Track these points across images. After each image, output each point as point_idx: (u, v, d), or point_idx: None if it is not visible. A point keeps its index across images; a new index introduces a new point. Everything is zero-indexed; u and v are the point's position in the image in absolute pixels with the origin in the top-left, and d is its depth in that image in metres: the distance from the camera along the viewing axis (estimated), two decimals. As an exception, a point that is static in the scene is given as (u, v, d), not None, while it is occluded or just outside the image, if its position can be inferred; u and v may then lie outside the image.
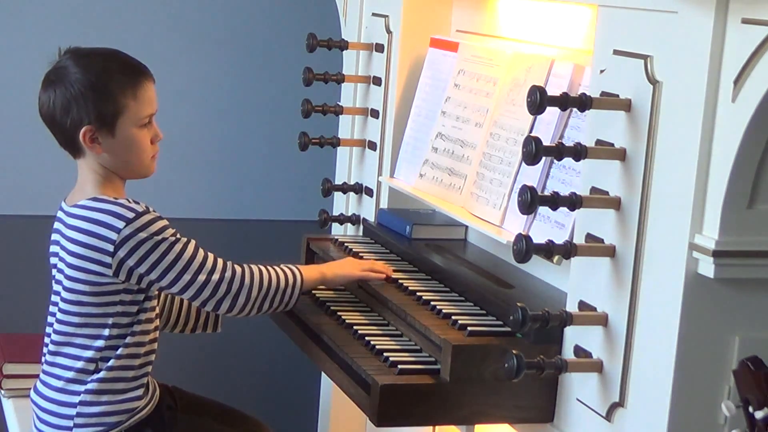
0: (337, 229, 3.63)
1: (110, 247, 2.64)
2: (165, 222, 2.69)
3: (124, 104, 2.68)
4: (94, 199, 2.69)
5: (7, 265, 4.22)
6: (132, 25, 4.20)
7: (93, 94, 2.66)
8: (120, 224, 2.63)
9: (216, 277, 2.71)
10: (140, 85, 2.71)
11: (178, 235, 2.70)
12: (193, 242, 2.71)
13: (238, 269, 2.74)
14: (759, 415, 1.79)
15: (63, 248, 2.71)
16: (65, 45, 2.79)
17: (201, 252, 2.71)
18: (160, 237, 2.66)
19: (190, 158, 4.28)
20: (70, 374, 2.72)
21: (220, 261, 2.74)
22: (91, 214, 2.67)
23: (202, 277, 2.69)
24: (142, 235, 2.64)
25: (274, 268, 2.80)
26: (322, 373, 3.59)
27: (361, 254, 3.11)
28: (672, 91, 2.19)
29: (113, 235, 2.63)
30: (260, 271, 2.77)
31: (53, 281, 2.78)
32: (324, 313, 2.92)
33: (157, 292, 2.78)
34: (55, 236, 2.77)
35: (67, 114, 2.68)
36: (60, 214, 2.76)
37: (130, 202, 2.68)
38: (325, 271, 2.89)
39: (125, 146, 2.71)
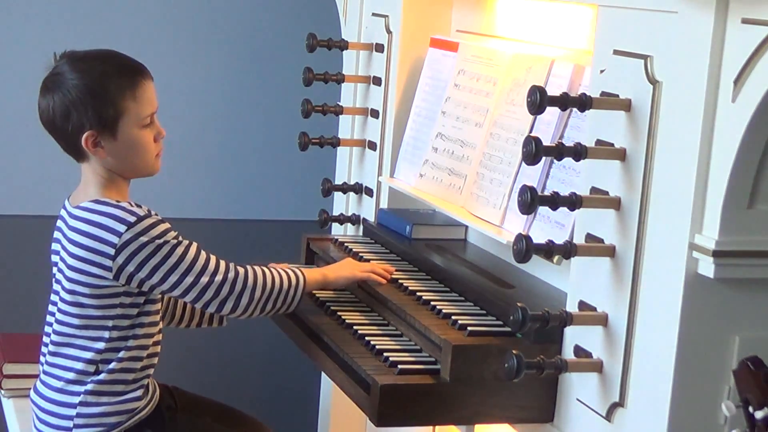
0: (337, 229, 3.63)
1: (111, 251, 2.63)
2: (167, 225, 2.69)
3: (124, 106, 2.67)
4: (97, 202, 2.68)
5: (7, 265, 4.22)
6: (131, 26, 4.20)
7: (92, 99, 2.65)
8: (121, 228, 2.63)
9: (219, 278, 2.70)
10: (139, 86, 2.70)
11: (180, 238, 2.69)
12: (195, 245, 2.71)
13: (241, 270, 2.74)
14: (759, 415, 1.78)
15: (64, 248, 2.71)
16: (64, 45, 2.78)
17: (203, 254, 2.71)
18: (161, 240, 2.65)
19: (190, 158, 4.28)
20: (70, 375, 2.72)
21: (222, 262, 2.73)
22: (93, 216, 2.66)
23: (204, 279, 2.69)
24: (143, 239, 2.64)
25: (277, 270, 2.80)
26: (322, 373, 3.59)
27: (361, 254, 3.11)
28: (672, 91, 2.19)
29: (114, 239, 2.63)
30: (263, 272, 2.77)
31: (53, 280, 2.78)
32: (324, 313, 2.92)
33: (159, 296, 2.77)
34: (56, 235, 2.77)
35: (67, 120, 2.66)
36: (63, 213, 2.76)
37: (132, 205, 2.67)
38: (327, 273, 2.89)
39: (129, 147, 2.70)
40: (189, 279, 2.68)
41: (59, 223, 2.77)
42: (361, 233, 3.44)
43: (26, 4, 4.12)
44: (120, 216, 2.64)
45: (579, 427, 2.44)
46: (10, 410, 3.38)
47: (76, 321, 2.71)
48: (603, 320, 2.35)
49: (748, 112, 2.01)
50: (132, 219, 2.64)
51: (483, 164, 2.91)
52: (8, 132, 4.16)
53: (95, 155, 2.69)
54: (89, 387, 2.70)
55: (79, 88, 2.66)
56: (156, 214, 2.69)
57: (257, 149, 4.44)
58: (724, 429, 2.18)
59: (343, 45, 3.49)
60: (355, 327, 2.77)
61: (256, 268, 2.78)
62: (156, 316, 2.77)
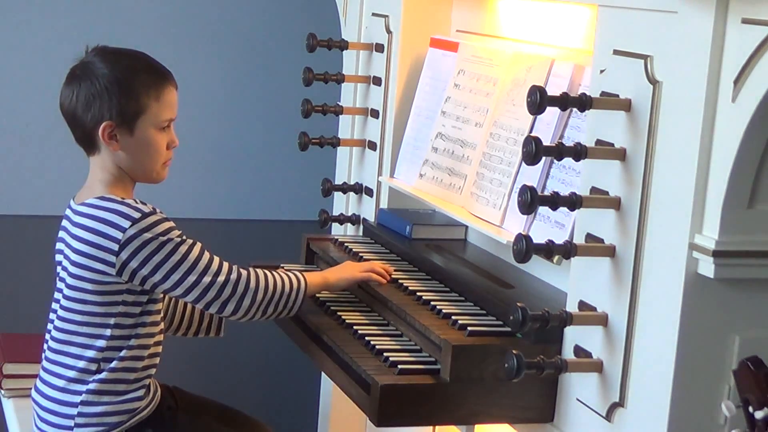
0: (337, 229, 3.63)
1: (115, 247, 2.64)
2: (171, 224, 2.69)
3: (147, 104, 2.70)
4: (102, 198, 2.69)
5: (8, 265, 4.22)
6: (131, 25, 4.20)
7: (117, 90, 2.68)
8: (126, 224, 2.64)
9: (221, 278, 2.70)
10: (164, 88, 2.73)
11: (184, 237, 2.70)
12: (198, 244, 2.71)
13: (244, 272, 2.74)
14: (759, 415, 1.79)
15: (68, 246, 2.71)
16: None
17: (207, 254, 2.71)
18: (165, 238, 2.66)
19: (190, 158, 4.28)
20: (71, 374, 2.72)
21: (225, 264, 2.74)
22: (98, 212, 2.67)
23: (207, 279, 2.69)
24: (147, 235, 2.64)
25: (279, 274, 2.81)
26: (322, 373, 3.59)
27: (361, 254, 3.11)
28: (672, 91, 2.19)
29: (119, 235, 2.64)
30: (265, 275, 2.77)
31: (57, 279, 2.78)
32: (324, 313, 2.92)
33: (162, 295, 2.77)
34: (61, 234, 2.78)
35: (89, 109, 2.69)
36: (68, 212, 2.77)
37: (137, 202, 2.68)
38: (327, 276, 2.90)
39: (142, 147, 2.71)
40: (191, 278, 2.68)
41: (64, 222, 2.78)
42: (361, 233, 3.44)
43: (27, 7, 4.12)
44: (124, 212, 2.65)
45: (579, 427, 2.44)
46: (10, 410, 3.38)
47: (78, 318, 2.71)
48: (603, 320, 2.35)
49: (748, 112, 2.01)
50: (136, 215, 2.64)
51: (483, 164, 2.91)
52: (9, 132, 4.16)
53: (108, 148, 2.70)
54: (91, 386, 2.70)
55: (107, 78, 2.69)
56: (161, 212, 2.70)
57: (257, 149, 4.44)
58: (724, 429, 2.18)
59: (343, 45, 3.49)
60: (355, 327, 2.77)
61: (259, 271, 2.78)
62: (158, 315, 2.77)
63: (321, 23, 3.91)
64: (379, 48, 3.41)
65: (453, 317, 2.59)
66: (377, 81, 3.42)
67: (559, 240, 2.36)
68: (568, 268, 2.49)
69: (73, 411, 2.71)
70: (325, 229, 3.60)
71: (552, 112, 2.60)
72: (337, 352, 2.72)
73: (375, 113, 3.43)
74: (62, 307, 2.73)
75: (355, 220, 3.49)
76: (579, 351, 2.42)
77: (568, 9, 2.78)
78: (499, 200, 2.81)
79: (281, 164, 4.45)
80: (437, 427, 3.06)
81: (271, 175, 4.46)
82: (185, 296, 2.71)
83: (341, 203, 3.62)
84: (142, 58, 2.78)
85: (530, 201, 2.27)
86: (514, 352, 2.30)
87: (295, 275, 2.83)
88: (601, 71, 2.39)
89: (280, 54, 4.36)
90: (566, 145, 2.32)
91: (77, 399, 2.71)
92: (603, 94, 2.37)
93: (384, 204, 3.37)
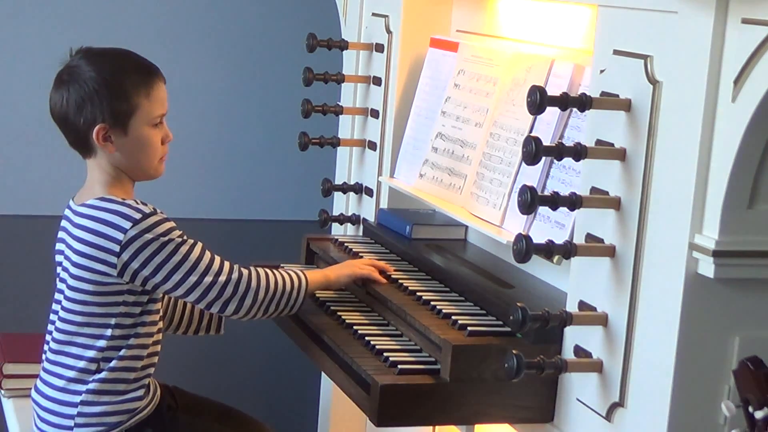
0: (337, 229, 3.63)
1: (116, 248, 2.64)
2: (172, 224, 2.69)
3: (138, 103, 2.69)
4: (102, 199, 2.69)
5: (8, 265, 4.22)
6: (131, 25, 4.20)
7: (107, 92, 2.67)
8: (127, 225, 2.64)
9: (222, 278, 2.71)
10: (153, 85, 2.73)
11: (185, 237, 2.70)
12: (199, 244, 2.71)
13: (245, 271, 2.75)
14: (759, 415, 1.79)
15: (69, 247, 2.71)
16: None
17: (208, 254, 2.71)
18: (166, 238, 2.66)
19: (190, 158, 4.28)
20: (71, 374, 2.72)
21: (227, 263, 2.74)
22: (99, 213, 2.67)
23: (208, 279, 2.69)
24: (148, 236, 2.64)
25: (279, 272, 2.81)
26: (322, 373, 3.59)
27: (361, 254, 3.11)
28: (672, 91, 2.19)
29: (119, 236, 2.63)
30: (266, 274, 2.77)
31: (57, 279, 2.78)
32: (324, 313, 2.92)
33: (161, 295, 2.77)
34: (61, 234, 2.78)
35: (80, 113, 2.68)
36: (67, 212, 2.77)
37: (137, 203, 2.68)
38: (328, 273, 2.90)
39: (137, 145, 2.71)
40: (192, 278, 2.68)
41: (64, 222, 2.77)
42: (361, 233, 3.44)
43: (25, 7, 4.12)
44: (125, 213, 2.65)
45: (579, 427, 2.44)
46: (10, 410, 3.38)
47: (78, 318, 2.71)
48: (603, 320, 2.35)
49: (748, 112, 2.01)
50: (137, 216, 2.64)
51: (483, 164, 2.91)
52: (9, 132, 4.16)
53: (104, 149, 2.70)
54: (91, 386, 2.70)
55: (95, 81, 2.68)
56: (162, 213, 2.70)
57: (257, 149, 4.44)
58: (724, 429, 2.18)
59: (343, 45, 3.49)
60: (355, 327, 2.77)
61: (260, 270, 2.78)
62: (157, 315, 2.77)
63: (321, 23, 3.91)
64: (379, 48, 3.41)
65: (453, 317, 2.59)
66: (377, 81, 3.42)
67: (559, 240, 2.36)
68: (568, 268, 2.49)
69: (73, 411, 2.71)
70: (325, 229, 3.60)
71: (552, 112, 2.60)
72: (337, 352, 2.72)
73: (375, 113, 3.43)
74: (63, 308, 2.73)
75: (355, 220, 3.49)
76: (579, 351, 2.42)
77: (568, 9, 2.78)
78: (499, 200, 2.81)
79: (281, 164, 4.45)
80: (437, 427, 3.06)
81: (271, 175, 4.46)
82: (187, 296, 2.71)
83: (341, 203, 3.62)
84: (129, 56, 2.77)
85: (530, 201, 2.27)
86: (514, 352, 2.30)
87: (296, 273, 2.83)
88: (601, 71, 2.39)
89: (280, 54, 4.36)
90: (566, 145, 2.32)
91: (77, 399, 2.71)
92: (603, 94, 2.37)
93: (384, 204, 3.37)
